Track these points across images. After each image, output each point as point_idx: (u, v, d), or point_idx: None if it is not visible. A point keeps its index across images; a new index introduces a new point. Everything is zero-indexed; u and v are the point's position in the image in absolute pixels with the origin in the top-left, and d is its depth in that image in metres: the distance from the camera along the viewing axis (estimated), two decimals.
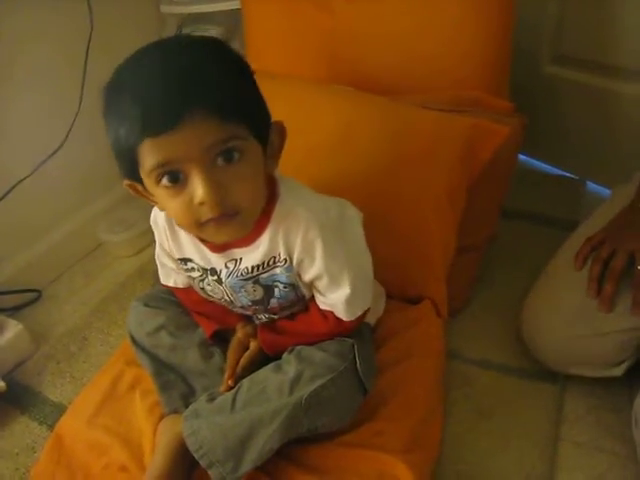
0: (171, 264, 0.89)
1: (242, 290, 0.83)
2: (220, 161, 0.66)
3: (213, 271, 0.82)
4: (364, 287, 0.84)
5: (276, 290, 0.83)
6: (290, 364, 0.81)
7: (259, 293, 0.83)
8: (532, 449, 0.92)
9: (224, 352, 0.91)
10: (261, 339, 0.87)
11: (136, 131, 0.63)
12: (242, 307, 0.87)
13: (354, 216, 0.82)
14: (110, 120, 0.67)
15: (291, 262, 0.79)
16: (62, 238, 1.44)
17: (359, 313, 0.83)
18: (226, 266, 0.81)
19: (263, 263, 0.79)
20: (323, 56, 1.21)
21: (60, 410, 1.05)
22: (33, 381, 1.15)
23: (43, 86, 1.32)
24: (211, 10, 1.46)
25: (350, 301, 0.80)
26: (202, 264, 0.83)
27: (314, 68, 1.21)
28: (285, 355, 0.84)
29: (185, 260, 0.84)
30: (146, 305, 0.96)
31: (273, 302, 0.84)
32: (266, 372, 0.82)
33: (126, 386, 0.97)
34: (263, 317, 0.89)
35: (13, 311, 1.31)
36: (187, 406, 0.86)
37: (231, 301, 0.86)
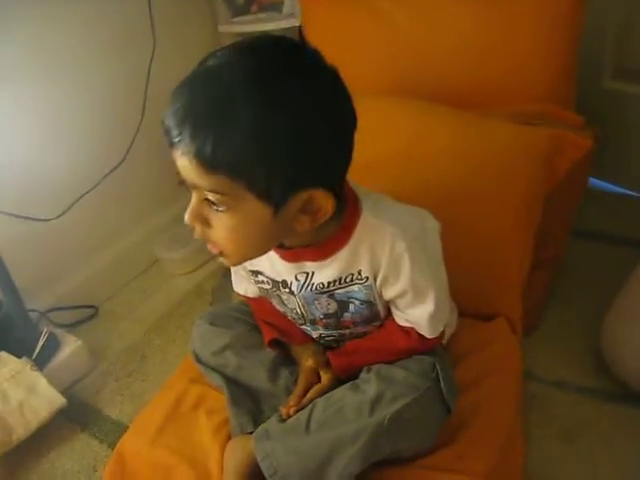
0: (244, 272, 0.87)
1: (315, 302, 0.80)
2: (208, 200, 0.63)
3: (284, 283, 0.79)
4: (445, 301, 0.80)
5: (351, 306, 0.79)
6: (370, 383, 0.76)
7: (333, 307, 0.80)
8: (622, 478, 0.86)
9: (291, 374, 0.88)
10: (334, 364, 0.83)
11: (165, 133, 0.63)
12: (313, 322, 0.84)
13: (434, 228, 0.78)
14: None
15: (374, 279, 0.75)
16: (119, 254, 1.45)
17: (441, 329, 0.80)
18: (296, 278, 0.78)
19: (340, 279, 0.76)
20: (386, 69, 1.20)
21: (120, 428, 1.04)
22: (92, 398, 1.14)
23: (106, 102, 1.35)
24: (269, 29, 1.47)
25: (434, 317, 0.77)
26: (272, 276, 0.80)
27: (377, 82, 1.19)
28: (363, 374, 0.80)
29: (256, 272, 0.82)
30: (211, 324, 0.94)
31: (346, 316, 0.81)
32: (343, 391, 0.78)
33: (190, 405, 0.94)
34: (332, 335, 0.86)
35: (70, 327, 1.31)
36: (254, 423, 0.84)
37: (303, 314, 0.83)
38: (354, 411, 0.74)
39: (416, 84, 1.16)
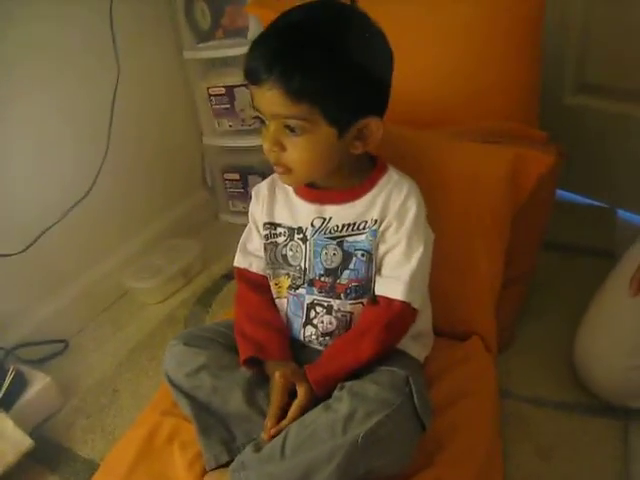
0: (257, 243, 0.93)
1: (323, 252, 0.86)
2: (286, 127, 0.76)
3: (299, 230, 0.88)
4: (424, 273, 0.85)
5: (353, 260, 0.85)
6: (341, 401, 0.75)
7: (338, 258, 0.85)
8: None
9: (267, 395, 0.85)
10: (311, 379, 0.82)
11: (244, 73, 0.77)
12: (310, 282, 0.87)
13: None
14: None
15: (380, 225, 0.84)
16: (88, 286, 1.42)
17: (412, 300, 0.82)
18: (312, 224, 0.87)
19: (355, 224, 0.85)
20: None
21: (92, 467, 1.00)
22: (62, 437, 1.10)
23: (70, 132, 1.33)
24: (234, 54, 1.47)
25: (413, 278, 0.82)
26: (290, 224, 0.89)
27: None
28: (335, 392, 0.79)
29: (274, 225, 0.90)
30: (186, 344, 0.91)
31: (345, 275, 0.85)
32: (315, 413, 0.77)
33: (163, 439, 0.91)
34: (321, 304, 0.87)
35: (39, 363, 1.27)
36: (228, 452, 0.83)
37: (305, 269, 0.87)
38: (327, 431, 0.73)
39: None
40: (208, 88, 1.58)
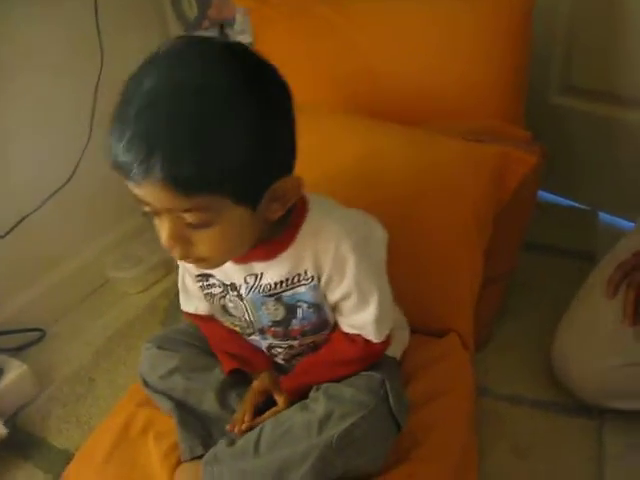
0: (193, 286, 0.86)
1: (263, 308, 0.79)
2: (187, 222, 0.63)
3: (233, 286, 0.79)
4: (388, 307, 0.80)
5: (299, 310, 0.79)
6: (318, 402, 0.76)
7: (281, 312, 0.79)
8: None
9: (239, 397, 0.86)
10: (284, 387, 0.82)
11: (114, 166, 0.60)
12: (261, 330, 0.83)
13: (381, 238, 0.78)
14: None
15: (319, 280, 0.75)
16: (67, 275, 1.40)
17: (386, 332, 0.79)
18: (245, 281, 0.78)
19: (287, 280, 0.76)
20: (337, 87, 1.20)
21: (67, 457, 0.99)
22: (37, 426, 1.09)
23: (51, 120, 1.31)
24: None
25: (379, 320, 0.77)
26: (222, 279, 0.80)
27: (328, 99, 1.19)
28: (312, 393, 0.79)
29: (207, 276, 0.81)
30: (159, 347, 0.92)
31: (295, 323, 0.80)
32: (291, 411, 0.77)
33: (138, 429, 0.91)
34: (281, 345, 0.84)
35: (16, 351, 1.26)
36: (204, 445, 0.83)
37: (251, 322, 0.82)
38: (303, 430, 0.73)
39: (367, 102, 1.16)
40: None
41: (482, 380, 1.03)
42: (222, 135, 0.59)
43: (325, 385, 0.79)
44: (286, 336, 0.82)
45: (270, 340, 0.85)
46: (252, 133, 0.61)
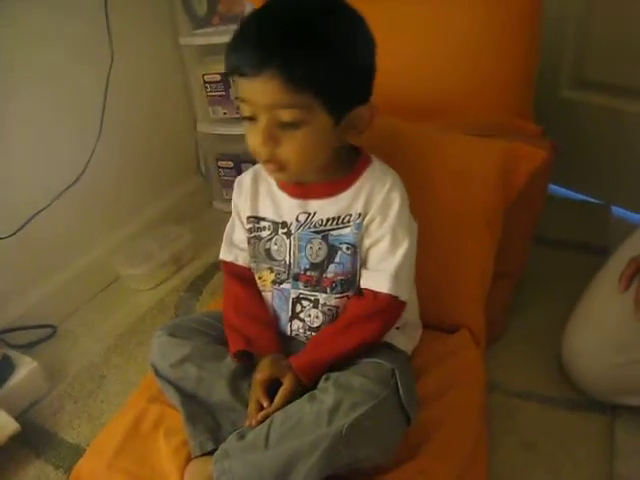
0: (243, 235, 0.91)
1: (307, 247, 0.85)
2: (282, 121, 0.74)
3: (284, 224, 0.86)
4: (410, 268, 0.85)
5: (339, 253, 0.84)
6: (327, 392, 0.75)
7: (323, 252, 0.84)
8: None
9: (251, 386, 0.85)
10: (295, 366, 0.81)
11: (231, 66, 0.75)
12: (296, 276, 0.86)
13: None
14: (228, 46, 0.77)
15: (364, 218, 0.82)
16: (78, 271, 1.41)
17: (399, 293, 0.82)
18: (297, 219, 0.85)
19: (339, 217, 0.83)
20: None
21: (78, 452, 1.00)
22: (49, 422, 1.10)
23: (62, 118, 1.32)
24: None
25: (398, 271, 0.81)
26: (274, 218, 0.87)
27: None
28: (321, 383, 0.79)
29: (258, 219, 0.89)
30: (171, 335, 0.91)
31: (330, 269, 0.84)
32: (300, 403, 0.77)
33: (149, 425, 0.91)
34: (308, 298, 0.86)
35: (27, 348, 1.27)
36: (214, 440, 0.82)
37: (290, 264, 0.86)
38: (312, 421, 0.72)
39: (375, 99, 1.15)
40: (203, 75, 1.57)
41: (492, 376, 1.03)
42: (334, 47, 0.73)
43: (335, 375, 0.78)
44: (318, 284, 0.85)
45: (300, 290, 0.86)
46: (355, 56, 0.76)
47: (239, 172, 1.67)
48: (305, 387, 0.80)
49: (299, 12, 0.73)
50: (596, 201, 1.57)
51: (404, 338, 0.89)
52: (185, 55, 1.60)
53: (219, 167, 1.72)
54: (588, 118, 1.50)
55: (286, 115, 0.73)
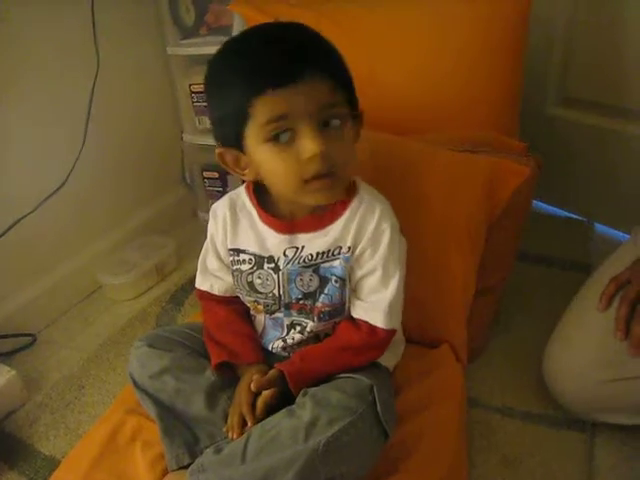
0: (216, 264, 0.89)
1: (298, 279, 0.82)
2: (325, 124, 0.73)
3: (270, 259, 0.83)
4: (401, 299, 0.83)
5: (329, 285, 0.82)
6: (304, 408, 0.74)
7: (314, 283, 0.82)
8: None
9: (229, 399, 0.85)
10: (286, 371, 0.80)
11: (257, 83, 0.70)
12: (287, 305, 0.84)
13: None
14: (221, 83, 0.75)
15: (353, 251, 0.81)
16: (59, 280, 1.39)
17: (394, 325, 0.82)
18: (285, 254, 0.82)
19: (329, 251, 0.81)
20: None
21: (53, 465, 0.98)
22: (24, 432, 1.08)
23: (47, 123, 1.31)
24: None
25: (392, 305, 0.80)
26: (259, 252, 0.84)
27: None
28: (299, 399, 0.78)
29: (238, 251, 0.86)
30: (150, 346, 0.90)
31: (321, 298, 0.83)
32: (278, 418, 0.76)
33: (126, 437, 0.90)
34: (300, 323, 0.85)
35: (5, 357, 1.25)
36: (190, 454, 0.82)
37: (279, 296, 0.84)
38: (289, 437, 0.71)
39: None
40: (190, 85, 1.57)
41: (473, 391, 1.03)
42: (339, 53, 0.76)
43: (312, 390, 0.77)
44: (310, 312, 0.84)
45: (293, 317, 0.86)
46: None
47: (224, 183, 1.66)
48: (286, 398, 0.80)
49: (295, 30, 0.75)
50: (579, 218, 1.58)
51: (388, 354, 0.88)
52: (172, 65, 1.59)
53: (204, 178, 1.71)
54: (572, 135, 1.51)
55: (334, 112, 0.73)
